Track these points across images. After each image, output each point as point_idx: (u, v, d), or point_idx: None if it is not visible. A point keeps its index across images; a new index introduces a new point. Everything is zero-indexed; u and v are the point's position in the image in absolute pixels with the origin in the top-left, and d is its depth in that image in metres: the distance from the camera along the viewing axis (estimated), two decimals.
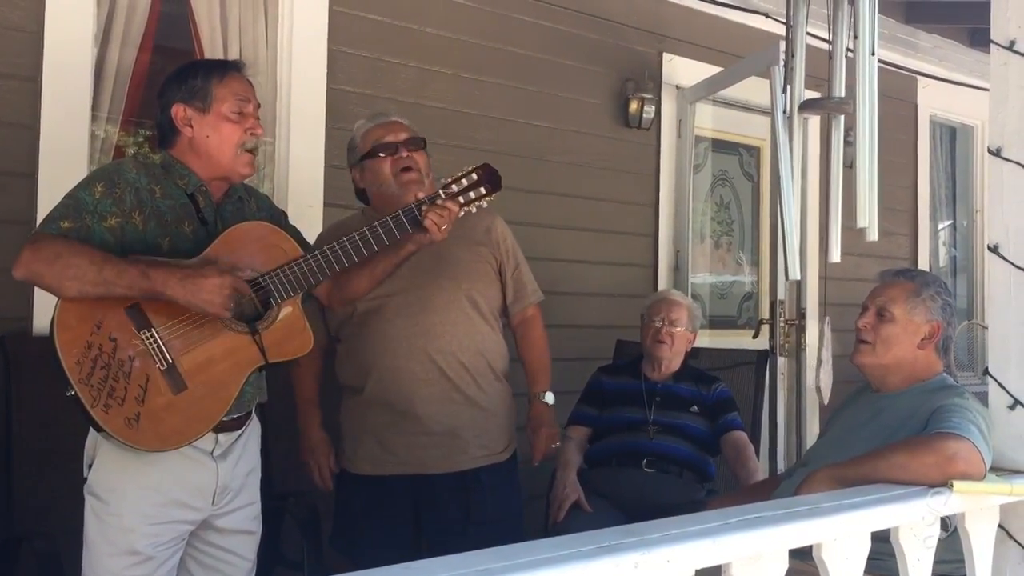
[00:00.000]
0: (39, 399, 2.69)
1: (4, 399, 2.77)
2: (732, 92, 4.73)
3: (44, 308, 2.41)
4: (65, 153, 3.01)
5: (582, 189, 4.43)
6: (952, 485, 1.96)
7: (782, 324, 4.18)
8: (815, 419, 4.54)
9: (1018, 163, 2.19)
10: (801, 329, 4.29)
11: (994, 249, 2.22)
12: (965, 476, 2.00)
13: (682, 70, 4.79)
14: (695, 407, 3.42)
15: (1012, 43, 2.20)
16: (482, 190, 2.45)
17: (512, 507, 2.79)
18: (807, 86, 3.18)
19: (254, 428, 2.40)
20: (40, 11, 3.01)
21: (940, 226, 6.57)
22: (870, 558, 1.81)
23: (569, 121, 4.41)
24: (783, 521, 1.67)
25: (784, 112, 3.38)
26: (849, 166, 3.17)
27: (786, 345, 4.23)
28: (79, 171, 2.84)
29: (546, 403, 2.87)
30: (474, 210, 2.46)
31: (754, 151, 5.33)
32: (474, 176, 2.45)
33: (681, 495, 3.21)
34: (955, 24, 5.78)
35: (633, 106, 4.55)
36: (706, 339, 4.44)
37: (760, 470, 3.38)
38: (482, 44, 4.11)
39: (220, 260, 2.16)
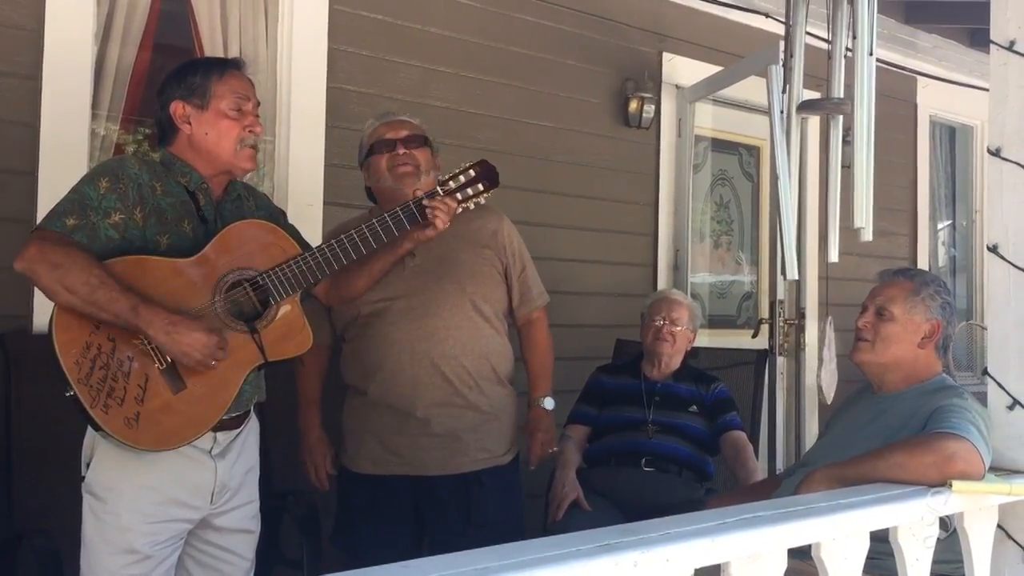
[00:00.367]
0: (39, 397, 2.69)
1: (4, 397, 2.77)
2: (732, 92, 4.72)
3: (44, 306, 2.40)
4: (65, 151, 3.01)
5: (582, 188, 4.43)
6: (951, 485, 1.96)
7: (781, 324, 4.18)
8: (814, 419, 4.54)
9: (1018, 163, 2.19)
10: (800, 329, 4.28)
11: (993, 249, 2.22)
12: (964, 476, 2.00)
13: (682, 70, 4.79)
14: (694, 407, 3.42)
15: (1012, 43, 2.20)
16: (480, 186, 2.45)
17: (513, 510, 2.79)
18: (806, 86, 3.17)
19: (253, 427, 2.40)
20: (40, 9, 3.01)
21: (940, 226, 6.56)
22: (869, 558, 1.81)
23: (569, 120, 4.41)
24: (782, 520, 1.68)
25: (782, 112, 3.37)
26: (847, 166, 3.16)
27: (785, 345, 4.23)
28: (79, 169, 2.84)
29: (545, 408, 2.87)
30: (472, 207, 2.46)
31: (754, 151, 5.33)
32: (471, 172, 2.45)
33: (680, 494, 3.21)
34: (955, 24, 5.78)
35: (633, 106, 4.55)
36: (705, 339, 4.44)
37: (759, 470, 3.38)
38: (483, 43, 4.11)
39: (209, 319, 2.14)
